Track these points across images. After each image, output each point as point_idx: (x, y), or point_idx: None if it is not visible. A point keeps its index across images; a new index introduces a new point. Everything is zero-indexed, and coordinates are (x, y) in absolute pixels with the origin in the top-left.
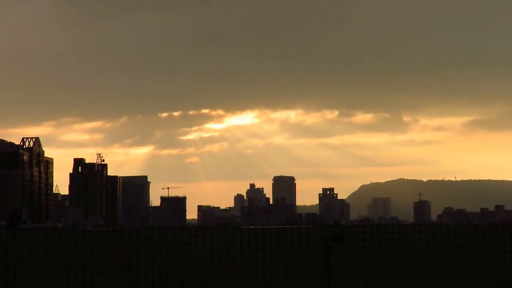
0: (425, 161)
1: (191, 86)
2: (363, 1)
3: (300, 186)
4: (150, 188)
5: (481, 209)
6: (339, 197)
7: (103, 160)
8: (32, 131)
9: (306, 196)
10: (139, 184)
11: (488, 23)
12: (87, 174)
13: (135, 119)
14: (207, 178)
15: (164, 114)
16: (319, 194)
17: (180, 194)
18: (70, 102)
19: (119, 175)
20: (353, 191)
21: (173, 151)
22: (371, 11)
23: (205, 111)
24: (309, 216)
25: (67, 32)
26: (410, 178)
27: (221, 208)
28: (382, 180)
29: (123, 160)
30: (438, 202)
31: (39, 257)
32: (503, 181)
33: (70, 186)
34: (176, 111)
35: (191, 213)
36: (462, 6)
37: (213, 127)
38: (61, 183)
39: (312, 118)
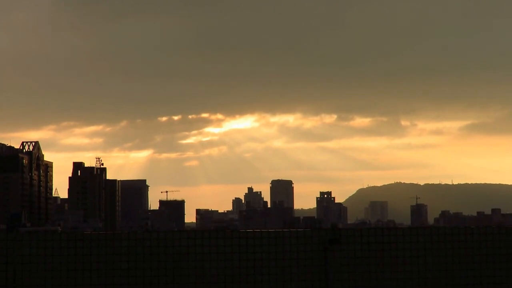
0: (422, 164)
1: (190, 91)
2: (362, 6)
3: (298, 189)
4: (148, 192)
5: (478, 212)
6: (336, 201)
7: (102, 164)
8: (32, 135)
9: (304, 199)
10: (138, 188)
11: (485, 28)
12: (86, 177)
13: (135, 123)
14: (205, 182)
15: (164, 118)
16: (317, 198)
17: (179, 198)
18: (70, 106)
19: (119, 179)
20: (350, 194)
21: (172, 155)
22: (370, 16)
23: (204, 115)
24: (306, 219)
25: (67, 36)
26: (407, 181)
27: (219, 211)
28: (380, 184)
29: (123, 164)
30: (435, 206)
31: (39, 260)
32: (500, 185)
33: (69, 190)
34: (175, 115)
35: (190, 217)
36: (459, 12)
37: (212, 131)
38: (60, 187)
39: (310, 122)
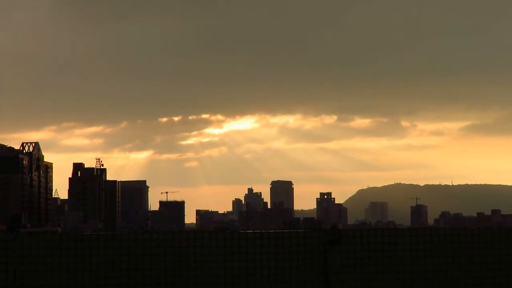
0: (422, 165)
1: (191, 91)
2: (361, 6)
3: (298, 190)
4: (149, 193)
5: (478, 213)
6: (336, 202)
7: (102, 165)
8: (33, 136)
9: (304, 200)
10: (138, 188)
11: (485, 28)
12: (86, 178)
13: (136, 123)
14: (205, 183)
15: (164, 119)
16: (317, 198)
17: (179, 199)
18: (70, 106)
19: (119, 180)
20: (350, 195)
21: (173, 156)
22: (369, 16)
23: (205, 116)
24: (306, 220)
25: (68, 36)
26: (407, 182)
27: (219, 212)
28: (379, 185)
29: (123, 165)
30: (435, 206)
31: (39, 260)
32: (500, 186)
33: (69, 191)
34: (176, 116)
35: (190, 217)
36: (459, 12)
37: (212, 132)
38: (60, 188)
39: (310, 123)
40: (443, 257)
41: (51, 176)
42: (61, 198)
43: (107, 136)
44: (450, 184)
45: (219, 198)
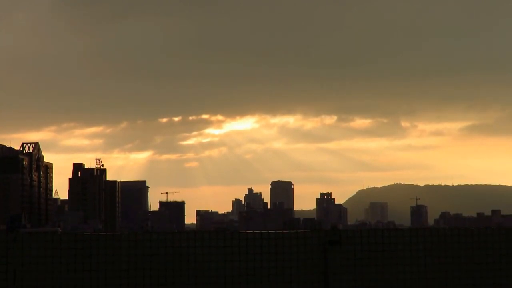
0: (422, 165)
1: (191, 92)
2: (361, 7)
3: (298, 190)
4: (149, 193)
5: (478, 213)
6: (336, 202)
7: (102, 165)
8: (33, 136)
9: (304, 200)
10: (138, 189)
11: (485, 28)
12: (86, 179)
13: (136, 124)
14: (206, 183)
15: (164, 119)
16: (317, 199)
17: (179, 199)
18: (70, 107)
19: (119, 180)
20: (350, 195)
21: (173, 156)
22: (369, 17)
23: (205, 116)
24: (306, 221)
25: (68, 37)
26: (407, 182)
27: (219, 212)
28: (380, 185)
29: (123, 165)
30: (435, 207)
31: (39, 260)
32: (500, 186)
33: (69, 191)
34: (176, 116)
35: (190, 218)
36: (459, 12)
37: (212, 132)
38: (60, 188)
39: (310, 123)
40: (443, 257)
41: (51, 177)
42: (61, 198)
43: (107, 136)
44: (450, 184)
45: (219, 199)
